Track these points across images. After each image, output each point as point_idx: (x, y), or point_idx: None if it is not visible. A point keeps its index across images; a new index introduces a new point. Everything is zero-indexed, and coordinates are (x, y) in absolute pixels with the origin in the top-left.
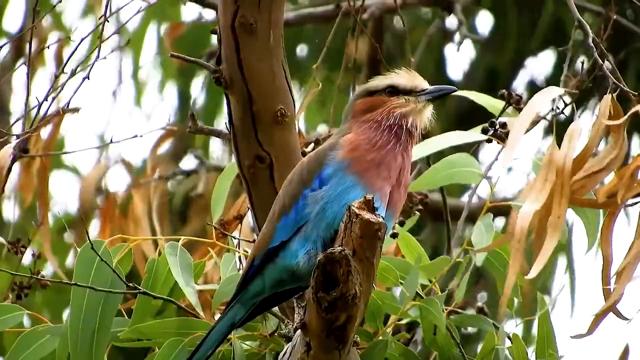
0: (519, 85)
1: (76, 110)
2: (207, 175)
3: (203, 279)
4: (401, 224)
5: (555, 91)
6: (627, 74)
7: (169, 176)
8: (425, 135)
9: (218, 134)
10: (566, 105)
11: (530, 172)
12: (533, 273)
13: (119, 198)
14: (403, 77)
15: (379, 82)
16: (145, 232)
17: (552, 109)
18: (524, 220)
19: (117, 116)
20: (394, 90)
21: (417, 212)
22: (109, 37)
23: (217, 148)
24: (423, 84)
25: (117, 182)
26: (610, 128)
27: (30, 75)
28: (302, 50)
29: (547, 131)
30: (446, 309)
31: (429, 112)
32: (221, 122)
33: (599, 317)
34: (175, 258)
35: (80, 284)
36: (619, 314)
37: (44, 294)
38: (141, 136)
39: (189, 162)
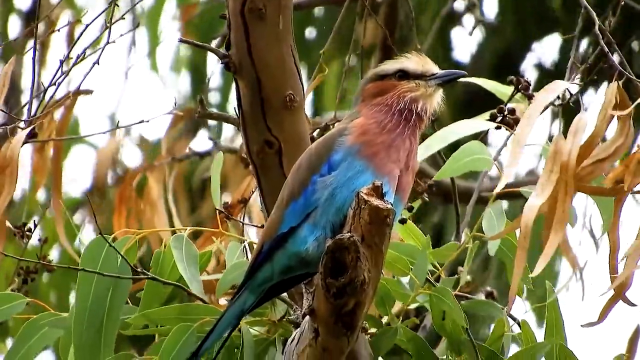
0: (527, 67)
1: (89, 92)
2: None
3: (211, 267)
4: (409, 209)
5: (560, 85)
6: (636, 57)
7: (182, 158)
8: (434, 121)
9: (227, 119)
10: (572, 95)
11: (540, 156)
12: (537, 271)
13: (134, 180)
14: (413, 61)
15: (390, 66)
16: (161, 215)
17: (558, 97)
18: (528, 215)
19: (129, 96)
20: (404, 75)
21: (426, 198)
22: (118, 20)
23: (229, 130)
24: (433, 68)
25: (132, 163)
26: (617, 115)
27: (41, 56)
28: (310, 32)
29: (556, 114)
30: (454, 293)
31: (438, 96)
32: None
33: (609, 305)
34: (181, 251)
35: (88, 269)
36: (627, 301)
37: (50, 276)
38: (147, 121)
39: (202, 143)
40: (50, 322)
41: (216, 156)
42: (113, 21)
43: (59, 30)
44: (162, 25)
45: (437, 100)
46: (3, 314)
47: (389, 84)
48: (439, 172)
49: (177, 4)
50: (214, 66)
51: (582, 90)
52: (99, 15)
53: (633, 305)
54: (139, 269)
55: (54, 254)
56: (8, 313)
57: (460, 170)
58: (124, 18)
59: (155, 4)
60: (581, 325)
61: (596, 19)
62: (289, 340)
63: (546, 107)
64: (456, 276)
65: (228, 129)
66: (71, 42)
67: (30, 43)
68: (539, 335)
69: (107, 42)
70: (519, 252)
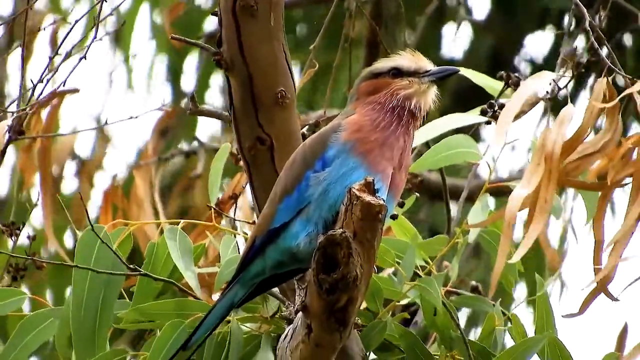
0: (520, 63)
1: (75, 90)
2: (205, 156)
3: (203, 261)
4: (401, 205)
5: (548, 75)
6: (625, 54)
7: (167, 157)
8: (426, 116)
9: (218, 116)
10: (560, 89)
11: (529, 152)
12: (517, 257)
13: (120, 179)
14: (407, 58)
15: (384, 64)
16: (148, 214)
17: (547, 92)
18: (514, 204)
19: (113, 96)
20: (398, 72)
21: (416, 193)
22: (105, 18)
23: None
24: (427, 65)
25: (118, 163)
26: (605, 111)
27: (25, 58)
28: (302, 29)
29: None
30: (443, 289)
31: (432, 93)
32: (211, 100)
33: (590, 298)
34: (175, 242)
35: (80, 265)
36: (609, 295)
37: (46, 273)
38: (136, 117)
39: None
40: (47, 315)
41: (220, 148)
42: (100, 19)
43: (44, 28)
44: (139, 29)
45: (431, 97)
46: (2, 309)
47: (382, 82)
48: (416, 162)
49: (151, 9)
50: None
51: (574, 92)
52: (87, 12)
53: (615, 300)
54: (132, 266)
55: (49, 252)
56: (7, 308)
57: (442, 163)
58: (112, 14)
59: (130, 9)
60: (562, 316)
61: (587, 14)
62: (282, 336)
63: (536, 103)
64: (445, 270)
65: (213, 129)
66: (55, 43)
67: (13, 47)
68: (530, 329)
69: (94, 39)
70: (502, 239)
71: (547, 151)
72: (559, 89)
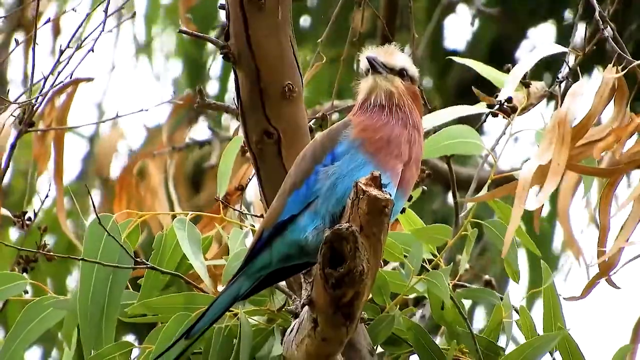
0: (522, 55)
1: (90, 79)
2: (220, 146)
3: (211, 253)
4: (410, 199)
5: (556, 48)
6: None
7: (182, 147)
8: (430, 110)
9: (226, 109)
10: (570, 70)
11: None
12: (536, 204)
13: (135, 167)
14: (376, 54)
15: (362, 63)
16: (162, 203)
17: (557, 78)
18: (527, 171)
19: (126, 85)
20: (367, 70)
21: (423, 187)
22: (115, 11)
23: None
24: (394, 59)
25: (132, 152)
26: (614, 99)
27: (26, 47)
28: (305, 20)
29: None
30: (451, 282)
31: (393, 84)
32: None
33: (593, 282)
34: (184, 232)
35: (87, 259)
36: (612, 283)
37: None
38: (147, 110)
39: (202, 132)
40: (52, 303)
41: (232, 140)
42: (111, 10)
43: (50, 19)
44: (159, 15)
45: (393, 88)
46: (4, 294)
47: (361, 81)
48: None
49: None
50: (211, 56)
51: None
52: (98, 5)
53: (617, 287)
54: (139, 258)
55: (50, 240)
56: (9, 293)
57: (442, 151)
58: (124, 8)
59: None
60: (564, 299)
61: (596, 5)
62: (288, 330)
63: (544, 96)
64: (453, 263)
65: (227, 118)
66: (57, 33)
67: (15, 36)
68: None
69: (102, 31)
70: (516, 201)
71: (560, 117)
72: (570, 69)
